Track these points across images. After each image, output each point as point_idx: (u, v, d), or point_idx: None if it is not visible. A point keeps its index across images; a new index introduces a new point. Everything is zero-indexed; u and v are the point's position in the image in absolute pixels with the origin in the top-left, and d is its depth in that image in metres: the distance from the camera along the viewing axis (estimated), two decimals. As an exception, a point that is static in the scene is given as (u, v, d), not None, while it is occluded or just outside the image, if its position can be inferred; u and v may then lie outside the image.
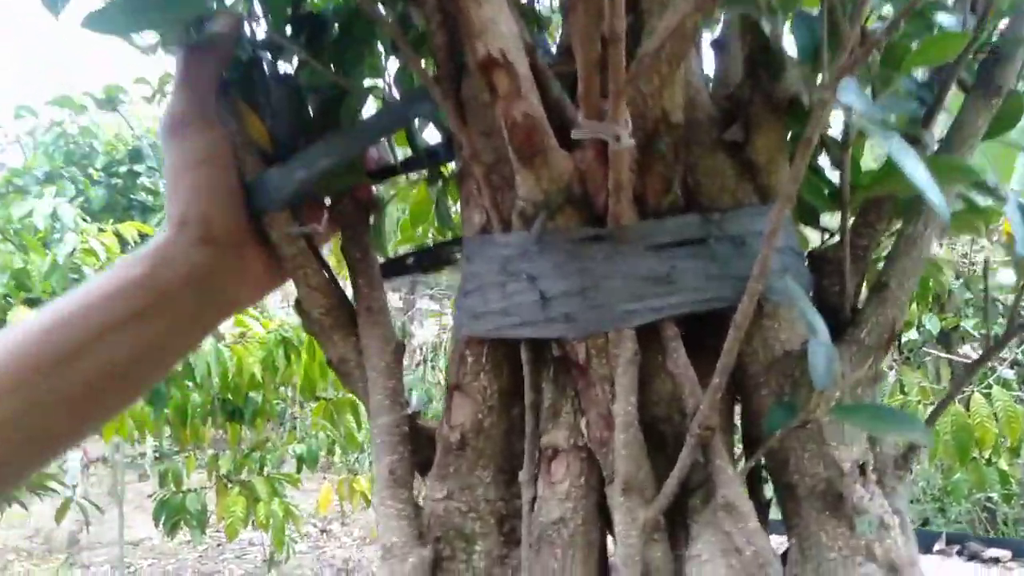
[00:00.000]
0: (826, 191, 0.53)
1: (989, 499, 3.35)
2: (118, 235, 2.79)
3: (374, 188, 0.59)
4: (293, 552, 4.00)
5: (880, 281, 0.46)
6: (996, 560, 0.58)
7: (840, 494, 0.41)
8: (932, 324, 3.20)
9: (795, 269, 0.46)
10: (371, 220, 0.58)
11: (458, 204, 0.56)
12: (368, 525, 5.73)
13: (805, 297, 0.41)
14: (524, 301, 0.44)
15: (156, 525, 3.31)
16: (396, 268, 0.61)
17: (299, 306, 0.55)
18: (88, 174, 5.93)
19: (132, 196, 6.11)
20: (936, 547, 0.62)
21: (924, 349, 3.01)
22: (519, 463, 0.47)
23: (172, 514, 3.25)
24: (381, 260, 0.60)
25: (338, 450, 3.63)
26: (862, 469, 0.43)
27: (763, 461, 0.44)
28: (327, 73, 0.52)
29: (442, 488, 0.48)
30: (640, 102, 0.42)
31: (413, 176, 0.78)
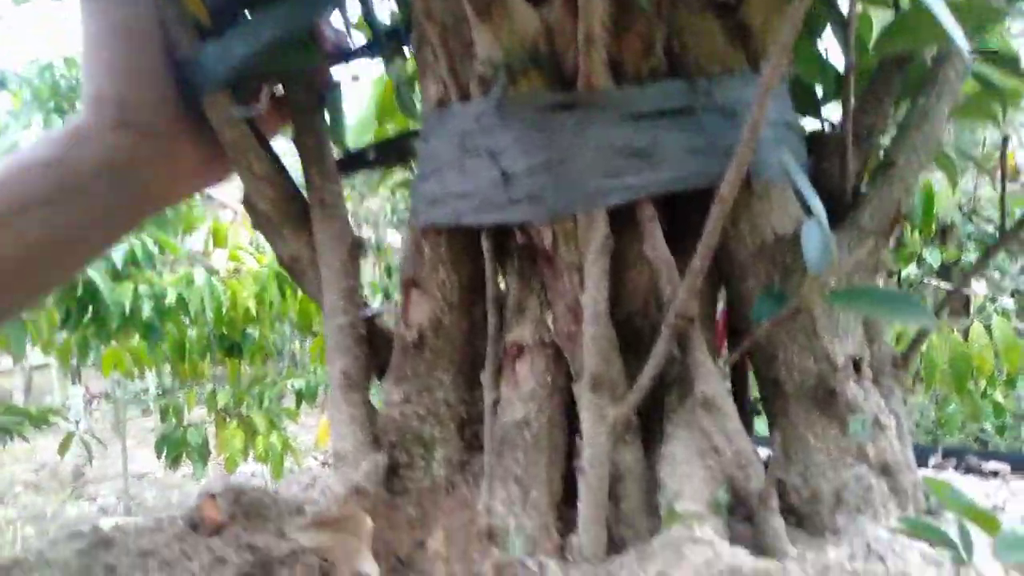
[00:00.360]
0: (829, 73, 0.47)
1: (982, 431, 3.35)
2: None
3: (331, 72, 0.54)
4: (294, 485, 4.03)
5: (887, 158, 0.41)
6: (995, 473, 0.56)
7: (832, 391, 0.37)
8: (933, 257, 3.14)
9: (790, 146, 0.40)
10: (326, 108, 0.53)
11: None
12: (368, 459, 5.78)
13: (801, 172, 0.36)
14: (484, 181, 0.39)
15: (158, 458, 3.34)
16: (356, 162, 0.56)
17: (246, 199, 0.50)
18: (75, 106, 5.80)
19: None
20: (932, 461, 0.59)
21: (924, 282, 2.96)
22: (482, 365, 0.43)
23: (173, 447, 3.27)
24: (339, 155, 0.55)
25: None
26: (856, 365, 0.38)
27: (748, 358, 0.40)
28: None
29: (398, 391, 0.44)
30: (615, -56, 0.36)
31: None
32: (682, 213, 0.41)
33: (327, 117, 0.53)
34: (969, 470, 0.58)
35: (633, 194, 0.38)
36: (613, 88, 0.38)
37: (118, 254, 3.15)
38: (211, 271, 3.08)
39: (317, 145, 0.50)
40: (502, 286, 0.43)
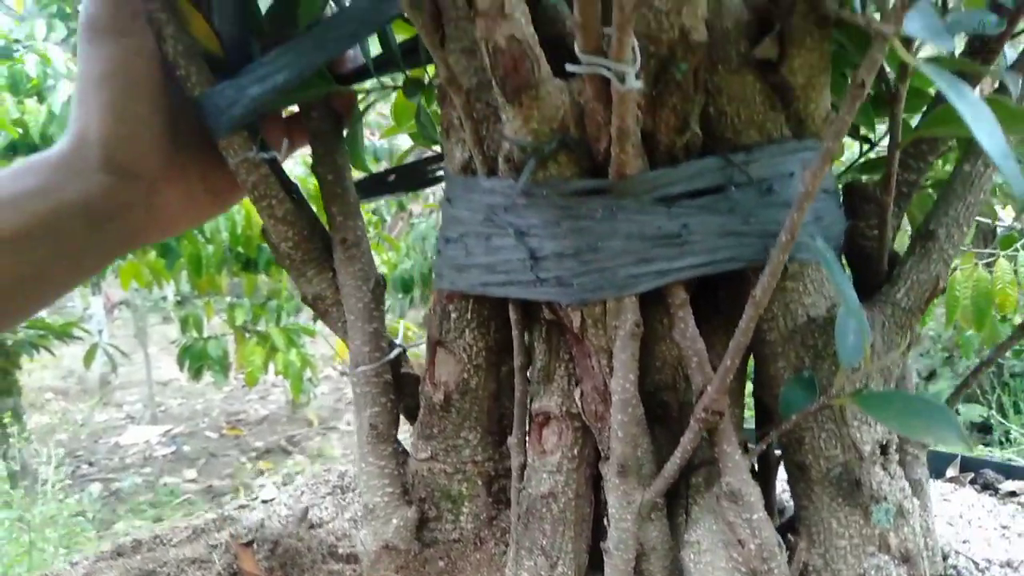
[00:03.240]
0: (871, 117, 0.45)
1: (999, 355, 3.35)
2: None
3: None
4: (314, 396, 4.18)
5: (927, 229, 0.40)
6: (1013, 494, 0.56)
7: (857, 480, 0.37)
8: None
9: (828, 215, 0.39)
10: (344, 131, 0.51)
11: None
12: (385, 368, 5.95)
13: (837, 263, 0.35)
14: (511, 258, 0.38)
15: (181, 369, 3.45)
16: (375, 186, 0.55)
17: (267, 237, 0.49)
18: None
19: (125, 36, 5.83)
20: (949, 472, 0.59)
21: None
22: (508, 424, 0.44)
23: (195, 360, 3.36)
24: (358, 177, 0.54)
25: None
26: (883, 449, 0.38)
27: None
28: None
29: (426, 448, 0.45)
30: (653, 22, 0.34)
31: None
32: (711, 287, 0.40)
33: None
34: (986, 486, 0.59)
35: (663, 279, 0.37)
36: (645, 172, 0.36)
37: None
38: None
39: (337, 179, 0.49)
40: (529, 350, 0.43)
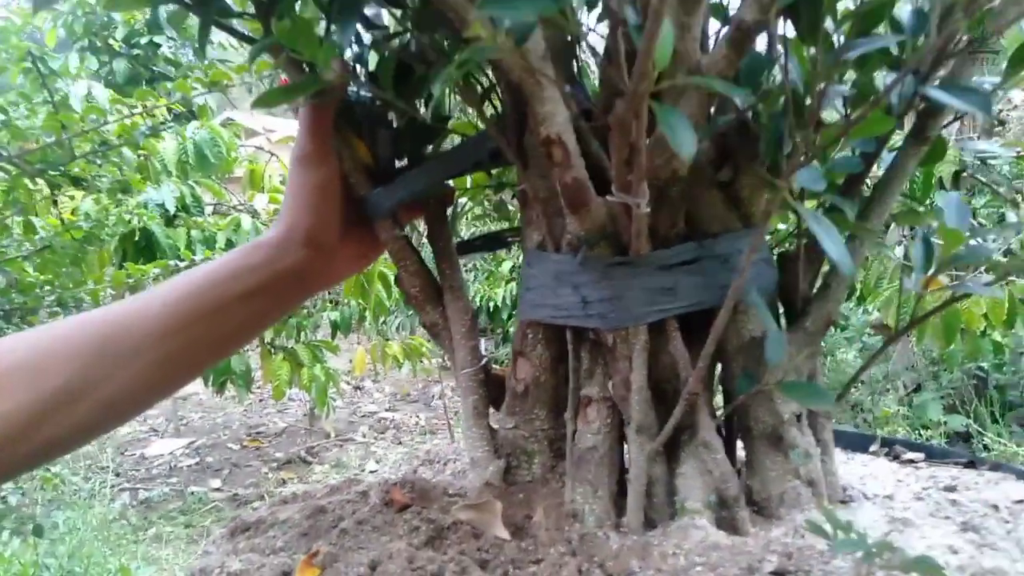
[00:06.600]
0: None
1: (980, 368, 3.60)
2: (149, 114, 2.97)
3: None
4: (333, 409, 4.43)
5: (824, 282, 0.65)
6: (911, 461, 0.79)
7: (780, 436, 0.62)
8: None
9: (765, 275, 0.64)
10: (448, 211, 0.76)
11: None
12: (397, 383, 6.18)
13: (766, 308, 0.60)
14: (570, 302, 0.63)
15: (205, 384, 3.69)
16: (468, 247, 0.80)
17: (400, 284, 0.74)
18: (109, 45, 5.93)
19: (154, 67, 6.13)
20: (871, 448, 0.83)
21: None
22: (564, 405, 0.68)
23: (219, 374, 3.60)
24: (456, 240, 0.79)
25: (368, 315, 3.95)
26: (797, 417, 0.63)
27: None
28: (421, 118, 0.68)
29: (511, 421, 0.69)
30: (656, 168, 0.59)
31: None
32: (690, 318, 0.65)
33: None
34: (895, 457, 0.83)
35: (663, 315, 0.61)
36: (651, 252, 0.61)
37: (170, 201, 3.39)
38: (254, 213, 3.35)
39: (445, 244, 0.74)
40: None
